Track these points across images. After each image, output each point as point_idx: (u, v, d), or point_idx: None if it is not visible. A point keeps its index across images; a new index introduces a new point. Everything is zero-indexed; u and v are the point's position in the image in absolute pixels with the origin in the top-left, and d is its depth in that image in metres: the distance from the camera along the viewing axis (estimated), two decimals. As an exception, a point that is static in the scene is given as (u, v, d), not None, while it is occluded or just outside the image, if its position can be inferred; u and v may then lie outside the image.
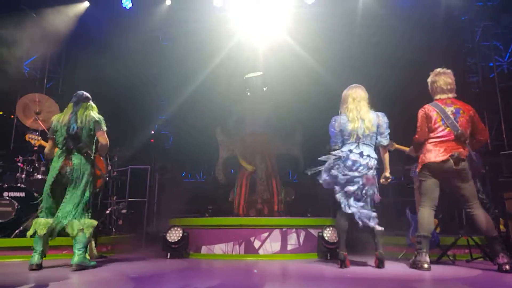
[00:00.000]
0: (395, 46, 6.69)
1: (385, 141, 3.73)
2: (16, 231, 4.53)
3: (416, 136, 3.74)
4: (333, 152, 3.70)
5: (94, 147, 3.75)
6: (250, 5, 6.92)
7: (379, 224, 3.60)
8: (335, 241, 4.36)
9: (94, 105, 3.84)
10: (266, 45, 6.68)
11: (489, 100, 6.87)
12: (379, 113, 3.78)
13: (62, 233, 3.53)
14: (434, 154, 3.55)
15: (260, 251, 4.64)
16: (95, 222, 3.58)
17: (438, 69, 3.79)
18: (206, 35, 7.39)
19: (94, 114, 3.74)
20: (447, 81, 3.71)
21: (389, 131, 3.76)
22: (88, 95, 3.82)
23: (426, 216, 3.59)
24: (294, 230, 4.77)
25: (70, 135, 3.59)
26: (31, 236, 3.45)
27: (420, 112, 3.74)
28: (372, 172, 3.63)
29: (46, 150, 3.83)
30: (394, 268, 3.64)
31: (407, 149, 4.19)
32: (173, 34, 8.18)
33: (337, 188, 3.67)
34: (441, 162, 3.49)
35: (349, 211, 3.59)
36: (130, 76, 7.31)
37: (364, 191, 3.61)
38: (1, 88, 5.98)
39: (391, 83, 6.15)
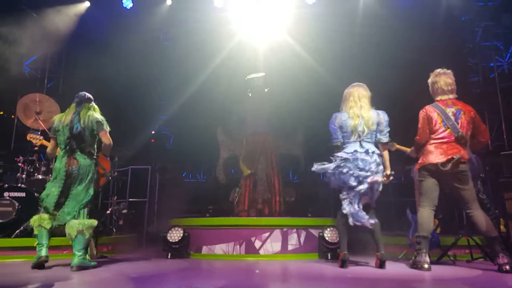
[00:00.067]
0: (395, 46, 6.69)
1: (384, 138, 3.72)
2: (17, 231, 4.52)
3: (417, 137, 3.74)
4: (339, 154, 3.66)
5: (96, 146, 3.78)
6: (251, 5, 6.93)
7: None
8: (336, 241, 4.37)
9: (96, 106, 3.86)
10: (267, 45, 6.69)
11: (490, 101, 6.87)
12: (380, 112, 3.78)
13: (63, 233, 3.54)
14: (434, 155, 3.55)
15: (261, 251, 4.64)
16: (94, 222, 3.58)
17: (438, 70, 3.78)
18: (207, 35, 7.40)
19: (97, 114, 3.76)
20: (447, 81, 3.71)
21: (388, 129, 3.75)
22: (90, 96, 3.84)
23: (426, 216, 3.59)
24: (294, 230, 4.77)
25: (74, 135, 3.60)
26: (34, 235, 3.48)
27: (421, 114, 3.73)
28: (381, 168, 3.64)
29: (48, 150, 3.84)
30: (395, 269, 3.63)
31: (408, 149, 4.19)
32: (174, 34, 8.19)
33: (344, 188, 3.64)
34: (439, 164, 3.49)
35: (349, 211, 3.58)
36: (130, 76, 7.32)
37: (375, 188, 3.62)
38: (1, 88, 5.98)
39: (391, 83, 6.15)
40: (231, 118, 6.60)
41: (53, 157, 3.84)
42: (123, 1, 7.36)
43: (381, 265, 3.54)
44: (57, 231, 3.63)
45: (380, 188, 3.66)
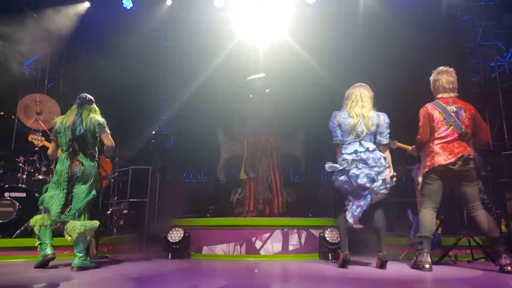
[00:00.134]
0: (396, 46, 6.68)
1: (385, 140, 3.71)
2: (18, 231, 4.53)
3: (419, 136, 3.72)
4: (346, 157, 3.63)
5: (97, 148, 3.78)
6: (251, 5, 6.92)
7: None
8: (337, 241, 4.37)
9: (97, 108, 3.86)
10: (267, 45, 6.68)
11: (491, 100, 6.86)
12: (380, 113, 3.77)
13: (63, 233, 3.54)
14: (442, 157, 3.51)
15: (262, 252, 4.64)
16: (96, 224, 3.58)
17: (441, 68, 3.78)
18: (207, 35, 7.39)
19: (98, 117, 3.76)
20: (449, 79, 3.70)
21: (388, 131, 3.74)
22: (92, 97, 3.84)
23: (428, 216, 3.58)
24: (295, 230, 4.76)
25: (76, 137, 3.60)
26: (35, 235, 3.49)
27: (422, 112, 3.72)
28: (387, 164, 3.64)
29: (49, 151, 3.83)
30: (396, 269, 3.63)
31: (409, 147, 4.18)
32: (174, 34, 8.18)
33: (353, 191, 3.62)
34: (451, 164, 3.46)
35: (355, 213, 3.58)
36: (130, 76, 7.31)
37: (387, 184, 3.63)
38: (2, 89, 5.98)
39: (392, 83, 6.14)
40: (232, 118, 6.59)
41: (54, 159, 3.84)
42: (123, 1, 7.35)
43: (382, 265, 3.54)
44: (57, 231, 3.63)
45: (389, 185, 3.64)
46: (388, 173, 3.60)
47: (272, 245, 4.65)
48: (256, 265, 4.07)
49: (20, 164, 5.21)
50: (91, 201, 3.63)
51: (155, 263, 4.13)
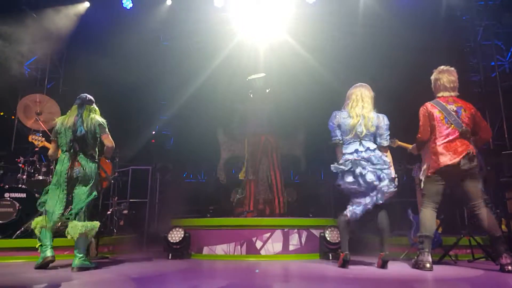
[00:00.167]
0: (396, 46, 6.68)
1: (385, 142, 3.71)
2: (18, 232, 4.52)
3: (419, 135, 3.72)
4: (348, 157, 3.62)
5: (98, 149, 3.77)
6: (251, 5, 6.92)
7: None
8: (337, 241, 4.36)
9: (97, 108, 3.85)
10: (267, 45, 6.68)
11: (491, 100, 6.86)
12: (381, 115, 3.76)
13: (63, 234, 3.54)
14: (448, 157, 3.49)
15: (262, 252, 4.63)
16: (97, 225, 3.57)
17: (442, 67, 3.78)
18: (207, 35, 7.39)
19: (99, 117, 3.76)
20: (450, 79, 3.70)
21: (388, 132, 3.73)
22: (92, 98, 3.83)
23: (429, 216, 3.58)
24: (296, 230, 4.76)
25: (77, 138, 3.59)
26: (36, 236, 3.49)
27: (422, 110, 3.72)
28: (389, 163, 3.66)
29: (50, 152, 3.82)
30: (396, 268, 3.63)
31: (409, 146, 4.18)
32: (174, 34, 8.17)
33: (360, 188, 3.59)
34: (457, 164, 3.45)
35: (357, 211, 3.58)
36: (130, 76, 7.30)
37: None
38: (2, 89, 5.98)
39: (392, 83, 6.14)
40: (232, 118, 6.58)
41: (55, 159, 3.83)
42: (123, 1, 7.35)
43: (383, 265, 3.53)
44: (57, 232, 3.63)
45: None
46: (393, 171, 3.61)
47: (273, 245, 4.65)
48: (257, 265, 4.07)
49: (20, 165, 5.20)
50: (92, 201, 3.63)
51: (155, 264, 4.13)
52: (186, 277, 3.31)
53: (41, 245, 3.48)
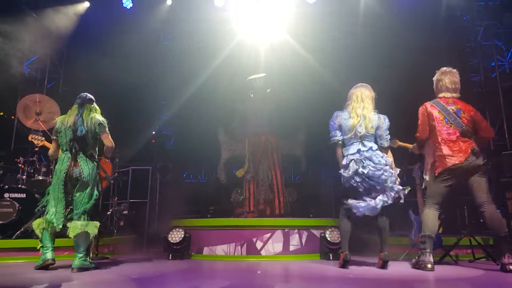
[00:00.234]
0: (396, 46, 6.68)
1: (385, 143, 3.71)
2: (18, 232, 4.52)
3: (418, 134, 3.73)
4: (350, 157, 3.61)
5: (97, 149, 3.77)
6: (252, 4, 6.91)
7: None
8: (338, 241, 4.36)
9: (97, 107, 3.84)
10: (267, 45, 6.67)
11: (491, 100, 6.86)
12: (382, 115, 3.76)
13: (64, 234, 3.53)
14: (456, 157, 3.48)
15: (262, 252, 4.62)
16: (97, 224, 3.57)
17: (445, 68, 3.78)
18: (207, 35, 7.38)
19: (99, 116, 3.74)
20: (453, 80, 3.71)
21: (388, 132, 3.72)
22: (92, 97, 3.82)
23: (431, 216, 3.57)
24: (296, 230, 4.75)
25: (77, 138, 3.58)
26: (37, 238, 3.48)
27: (421, 110, 3.72)
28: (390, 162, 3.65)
29: (50, 151, 3.82)
30: (397, 269, 3.62)
31: (410, 146, 4.18)
32: (174, 34, 8.17)
33: (368, 186, 3.56)
34: (464, 161, 3.44)
35: (362, 210, 3.56)
36: (130, 76, 7.30)
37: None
38: (1, 89, 5.97)
39: (392, 83, 6.14)
40: (232, 117, 6.58)
41: (55, 159, 3.83)
42: (123, 1, 7.33)
43: (383, 265, 3.53)
44: (58, 232, 3.62)
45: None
46: (395, 171, 3.61)
47: (273, 245, 4.64)
48: (257, 265, 4.06)
49: (20, 165, 5.19)
50: (94, 202, 3.63)
51: (155, 264, 4.12)
52: (186, 278, 3.31)
53: (42, 246, 3.47)
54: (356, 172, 3.54)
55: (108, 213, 5.86)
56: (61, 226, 3.47)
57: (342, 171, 3.66)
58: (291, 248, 4.68)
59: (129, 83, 7.26)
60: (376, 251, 3.66)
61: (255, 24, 6.94)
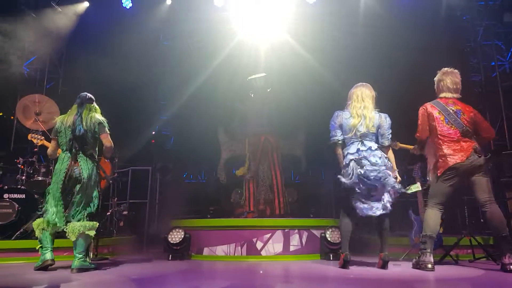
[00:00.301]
0: (396, 46, 6.67)
1: (386, 142, 3.71)
2: (17, 233, 4.51)
3: (418, 134, 3.74)
4: (350, 157, 3.60)
5: (97, 149, 3.76)
6: (251, 4, 6.90)
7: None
8: (338, 241, 4.36)
9: (97, 106, 3.83)
10: (267, 45, 6.67)
11: (491, 100, 6.85)
12: (382, 114, 3.75)
13: (63, 235, 3.52)
14: (458, 156, 3.48)
15: (263, 252, 4.62)
16: (96, 225, 3.56)
17: (446, 68, 3.78)
18: (207, 34, 7.38)
19: (98, 116, 3.74)
20: (454, 80, 3.71)
21: (390, 131, 3.72)
22: (92, 96, 3.81)
23: (433, 216, 3.57)
24: (296, 231, 4.75)
25: (76, 137, 3.57)
26: (37, 238, 3.47)
27: (421, 110, 3.73)
28: (390, 165, 3.65)
29: (49, 151, 3.81)
30: (397, 269, 3.62)
31: (411, 147, 4.18)
32: (174, 34, 8.16)
33: (366, 186, 3.55)
34: (465, 160, 3.45)
35: (364, 211, 3.55)
36: (130, 76, 7.28)
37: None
38: (1, 89, 5.96)
39: (392, 83, 6.13)
40: (232, 117, 6.57)
41: (54, 158, 3.82)
42: (122, 1, 7.32)
43: (383, 265, 3.52)
44: (57, 233, 3.61)
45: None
46: (394, 171, 3.61)
47: (273, 245, 4.64)
48: (257, 266, 4.06)
49: (19, 165, 5.18)
50: (95, 203, 3.62)
51: (155, 265, 4.11)
52: (186, 278, 3.31)
53: (41, 247, 3.46)
54: (355, 172, 3.54)
55: (108, 213, 5.86)
56: (64, 225, 3.46)
57: (342, 171, 3.65)
58: (291, 248, 4.68)
59: (129, 83, 7.25)
60: (377, 251, 3.65)
61: (255, 24, 6.93)
